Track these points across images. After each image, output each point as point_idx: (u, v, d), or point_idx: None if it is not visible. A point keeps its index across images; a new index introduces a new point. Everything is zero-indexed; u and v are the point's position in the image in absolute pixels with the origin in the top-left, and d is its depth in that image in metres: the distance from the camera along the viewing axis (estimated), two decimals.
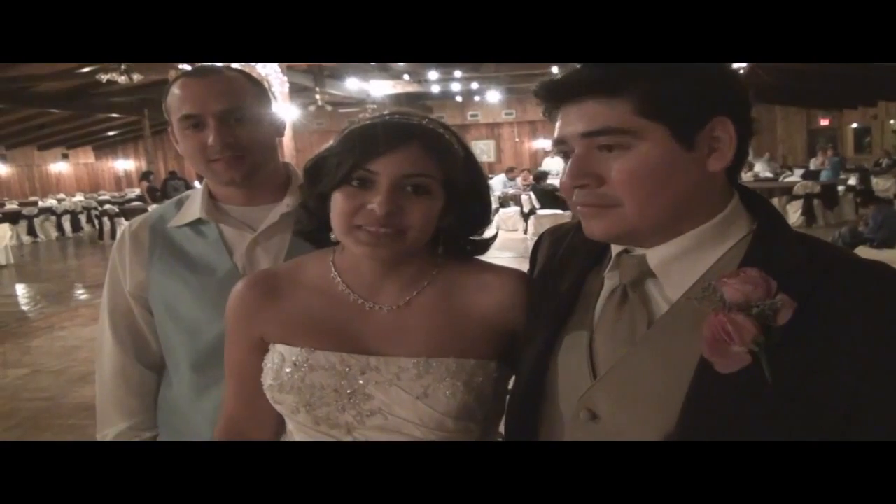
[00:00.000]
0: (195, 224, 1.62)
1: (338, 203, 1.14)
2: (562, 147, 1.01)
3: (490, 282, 1.24)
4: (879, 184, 14.02)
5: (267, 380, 1.21)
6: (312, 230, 1.27)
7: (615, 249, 1.06)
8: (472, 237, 1.27)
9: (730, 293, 0.88)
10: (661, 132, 0.93)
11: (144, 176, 18.16)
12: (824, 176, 14.89)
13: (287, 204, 1.59)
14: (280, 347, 1.21)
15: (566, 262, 1.17)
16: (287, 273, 1.28)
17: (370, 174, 1.11)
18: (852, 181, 14.26)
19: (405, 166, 1.11)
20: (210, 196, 1.63)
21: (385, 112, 1.21)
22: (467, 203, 1.20)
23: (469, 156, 1.22)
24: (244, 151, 1.53)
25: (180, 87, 1.55)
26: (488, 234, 1.30)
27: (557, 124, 1.01)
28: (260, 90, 1.61)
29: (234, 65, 1.65)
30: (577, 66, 0.99)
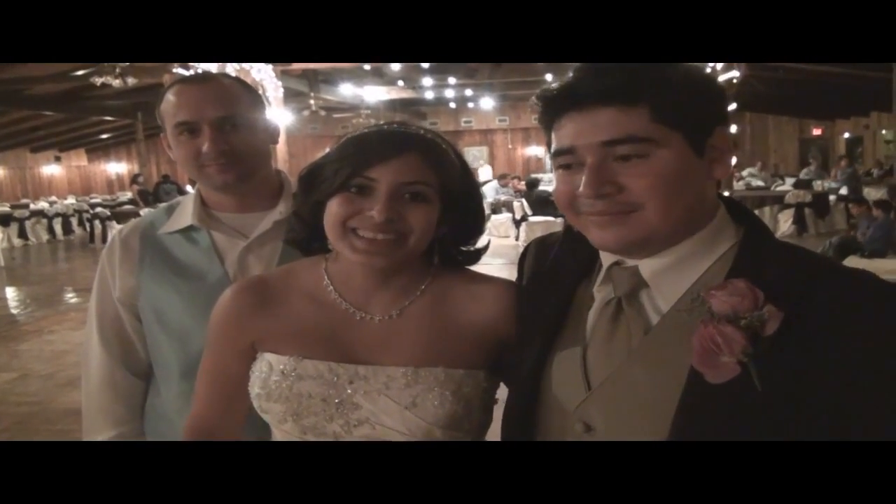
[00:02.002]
0: (187, 231, 1.61)
1: (333, 209, 1.15)
2: (567, 158, 0.99)
3: (482, 292, 1.24)
4: (871, 194, 14.07)
5: (254, 388, 1.20)
6: (304, 238, 1.27)
7: (606, 262, 1.06)
8: (464, 247, 1.28)
9: (717, 305, 0.89)
10: (677, 139, 0.94)
11: (134, 179, 18.10)
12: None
13: (280, 211, 1.59)
14: (268, 356, 1.21)
15: (554, 274, 1.17)
16: (278, 279, 1.28)
17: (369, 181, 1.12)
18: (844, 191, 14.33)
19: (404, 174, 1.12)
20: (202, 203, 1.63)
21: (382, 121, 1.22)
22: (462, 213, 1.22)
23: (464, 166, 1.24)
24: (238, 158, 1.53)
25: (175, 93, 1.55)
26: (480, 243, 1.30)
27: (561, 133, 0.99)
28: (254, 97, 1.61)
29: (229, 69, 1.66)
30: (580, 73, 0.98)
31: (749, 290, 0.88)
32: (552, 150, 1.02)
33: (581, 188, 0.96)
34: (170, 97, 1.55)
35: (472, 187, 1.25)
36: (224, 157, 1.51)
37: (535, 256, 1.26)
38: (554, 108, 1.00)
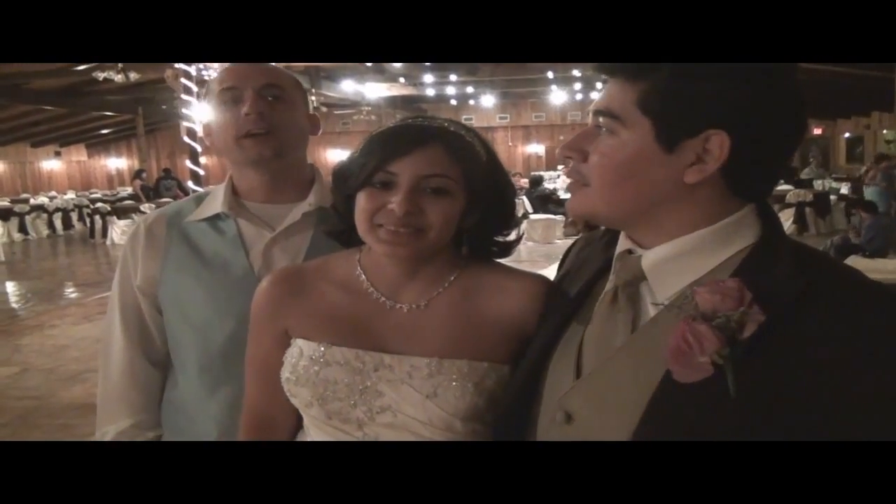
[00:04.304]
0: (213, 220, 1.62)
1: (360, 203, 1.18)
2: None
3: (511, 286, 1.25)
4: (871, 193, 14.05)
5: (285, 372, 1.24)
6: (342, 231, 1.30)
7: (619, 248, 1.05)
8: (496, 238, 1.29)
9: (701, 302, 0.87)
10: (645, 128, 0.92)
11: (137, 174, 18.13)
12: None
13: (309, 203, 1.59)
14: (300, 342, 1.24)
15: (583, 266, 1.17)
16: (314, 270, 1.31)
17: (390, 175, 1.14)
18: (844, 190, 14.31)
19: (423, 167, 1.14)
20: (233, 192, 1.64)
21: (408, 116, 1.25)
22: (490, 204, 1.22)
23: (492, 158, 1.24)
24: (275, 130, 1.54)
25: (224, 68, 1.62)
26: (513, 235, 1.32)
27: None
28: (297, 82, 1.67)
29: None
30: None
31: (737, 290, 0.85)
32: None
33: None
34: (219, 74, 1.62)
35: (501, 178, 1.25)
36: (263, 120, 1.52)
37: (577, 251, 1.25)
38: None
